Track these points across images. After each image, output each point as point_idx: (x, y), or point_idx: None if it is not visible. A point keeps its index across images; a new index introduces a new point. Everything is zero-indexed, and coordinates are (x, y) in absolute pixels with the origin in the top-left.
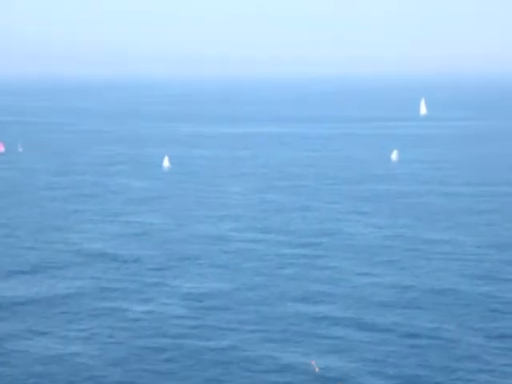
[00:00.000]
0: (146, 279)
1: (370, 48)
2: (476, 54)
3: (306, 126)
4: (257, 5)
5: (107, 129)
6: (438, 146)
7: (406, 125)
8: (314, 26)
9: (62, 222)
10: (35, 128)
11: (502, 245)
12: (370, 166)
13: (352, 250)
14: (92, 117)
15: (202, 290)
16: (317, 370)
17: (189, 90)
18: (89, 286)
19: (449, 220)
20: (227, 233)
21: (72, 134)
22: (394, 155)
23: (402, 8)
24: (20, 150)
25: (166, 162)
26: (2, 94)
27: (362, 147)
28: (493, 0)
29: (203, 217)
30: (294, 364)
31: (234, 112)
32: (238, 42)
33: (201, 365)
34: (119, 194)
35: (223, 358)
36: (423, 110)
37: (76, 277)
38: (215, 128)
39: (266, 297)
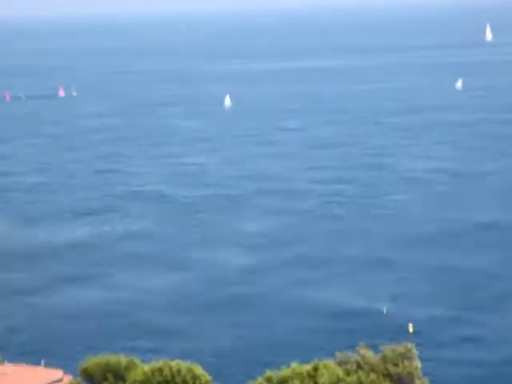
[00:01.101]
0: (201, 220)
1: None
2: None
3: (361, 57)
4: None
5: (162, 68)
6: (505, 73)
7: (471, 52)
8: None
9: (116, 164)
10: (88, 71)
11: None
12: (433, 95)
13: (402, 184)
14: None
15: (258, 230)
16: (385, 311)
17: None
18: (145, 228)
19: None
20: (282, 172)
21: (126, 75)
22: (459, 84)
23: None
24: (74, 93)
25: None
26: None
27: (426, 76)
28: None
29: (260, 155)
30: (358, 306)
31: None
32: None
33: (260, 306)
34: (176, 135)
35: (284, 299)
36: (489, 36)
37: (133, 220)
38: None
39: (319, 238)
